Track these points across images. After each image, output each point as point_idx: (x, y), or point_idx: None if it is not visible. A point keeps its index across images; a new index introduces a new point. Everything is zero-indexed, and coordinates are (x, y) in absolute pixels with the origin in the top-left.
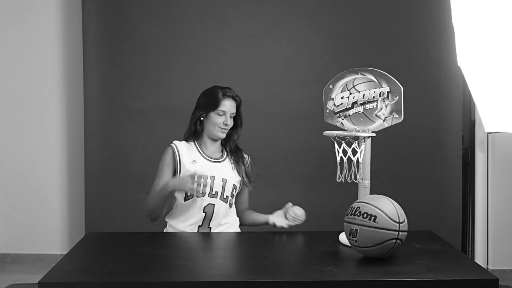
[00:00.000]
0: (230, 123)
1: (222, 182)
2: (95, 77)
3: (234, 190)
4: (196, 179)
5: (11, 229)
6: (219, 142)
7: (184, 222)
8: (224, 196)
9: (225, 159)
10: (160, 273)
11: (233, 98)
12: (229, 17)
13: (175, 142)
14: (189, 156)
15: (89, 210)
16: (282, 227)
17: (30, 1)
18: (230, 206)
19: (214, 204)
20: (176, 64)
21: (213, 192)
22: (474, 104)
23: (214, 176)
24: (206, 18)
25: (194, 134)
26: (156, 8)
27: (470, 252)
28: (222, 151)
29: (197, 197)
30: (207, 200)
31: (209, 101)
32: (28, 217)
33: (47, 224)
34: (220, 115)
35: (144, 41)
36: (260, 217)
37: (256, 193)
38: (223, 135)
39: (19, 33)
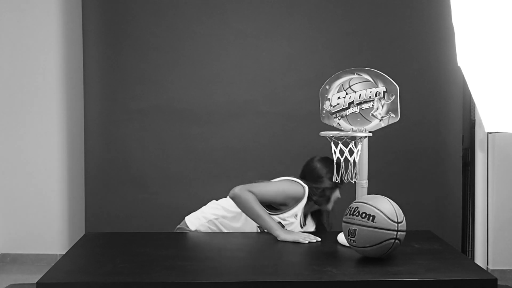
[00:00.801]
0: None
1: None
2: (95, 77)
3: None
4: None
5: (11, 229)
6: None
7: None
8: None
9: (307, 227)
10: (159, 273)
11: None
12: (229, 17)
13: (306, 188)
14: (297, 210)
15: (89, 210)
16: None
17: (30, 1)
18: None
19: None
20: (176, 64)
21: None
22: (474, 104)
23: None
24: (206, 18)
25: (319, 199)
26: (156, 8)
27: (470, 252)
28: (307, 219)
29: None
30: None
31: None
32: (28, 217)
33: (47, 224)
34: (338, 190)
35: (144, 41)
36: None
37: None
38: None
39: (19, 33)
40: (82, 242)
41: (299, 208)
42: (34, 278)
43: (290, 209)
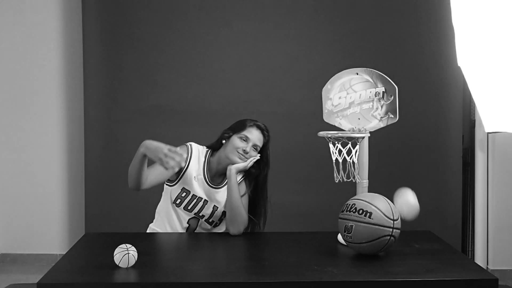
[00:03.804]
0: (251, 153)
1: (212, 209)
2: (95, 77)
3: (224, 215)
4: (170, 152)
5: (11, 229)
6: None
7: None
8: (210, 220)
9: (224, 185)
10: (159, 273)
11: (262, 130)
12: (229, 17)
13: (192, 145)
14: (195, 168)
15: (89, 210)
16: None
17: (30, 1)
18: (215, 226)
19: (198, 219)
20: (176, 64)
21: (200, 215)
22: (474, 104)
23: (207, 201)
24: (206, 18)
25: (215, 149)
26: (156, 8)
27: (470, 252)
28: (225, 176)
29: (166, 168)
30: (191, 215)
31: (236, 124)
32: (28, 217)
33: (47, 224)
34: (243, 140)
35: (144, 41)
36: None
37: None
38: (240, 161)
39: (19, 33)
40: (82, 242)
41: (195, 166)
42: (34, 278)
43: (187, 168)
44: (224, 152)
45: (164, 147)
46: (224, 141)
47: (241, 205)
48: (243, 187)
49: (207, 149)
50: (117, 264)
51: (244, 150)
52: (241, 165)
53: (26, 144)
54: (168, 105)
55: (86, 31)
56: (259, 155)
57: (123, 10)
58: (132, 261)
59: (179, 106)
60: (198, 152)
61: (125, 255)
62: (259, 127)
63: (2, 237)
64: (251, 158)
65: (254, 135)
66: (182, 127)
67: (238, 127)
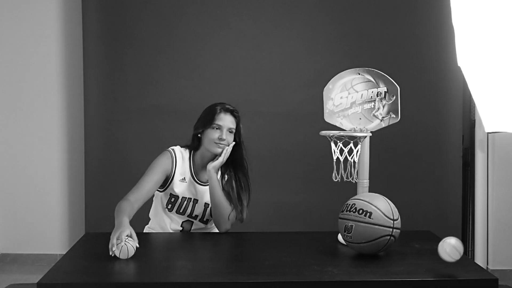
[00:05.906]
0: (228, 138)
1: (203, 207)
2: (95, 77)
3: None
4: (115, 241)
5: (11, 229)
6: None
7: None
8: (204, 220)
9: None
10: (159, 273)
11: (232, 112)
12: (229, 17)
13: (175, 149)
14: (181, 171)
15: (89, 210)
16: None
17: (30, 1)
18: (209, 223)
19: (192, 222)
20: (176, 64)
21: (193, 215)
22: (474, 104)
23: (197, 200)
24: (206, 18)
25: (194, 148)
26: (156, 8)
27: (470, 252)
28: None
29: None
30: (184, 218)
31: (205, 116)
32: (28, 217)
33: (47, 224)
34: (216, 129)
35: (144, 41)
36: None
37: (256, 193)
38: (220, 150)
39: (19, 33)
40: (82, 242)
41: (180, 170)
42: (34, 278)
43: (174, 174)
44: (204, 146)
45: (114, 239)
46: (199, 135)
47: (225, 202)
48: (230, 182)
49: (189, 150)
50: (118, 256)
51: (220, 138)
52: (218, 162)
53: (26, 144)
54: (168, 105)
55: (86, 31)
56: (233, 142)
57: (123, 10)
58: (132, 251)
59: (179, 106)
60: (181, 154)
61: (123, 245)
62: (227, 110)
63: (2, 237)
64: (225, 151)
65: (226, 121)
66: (182, 127)
67: (208, 119)
